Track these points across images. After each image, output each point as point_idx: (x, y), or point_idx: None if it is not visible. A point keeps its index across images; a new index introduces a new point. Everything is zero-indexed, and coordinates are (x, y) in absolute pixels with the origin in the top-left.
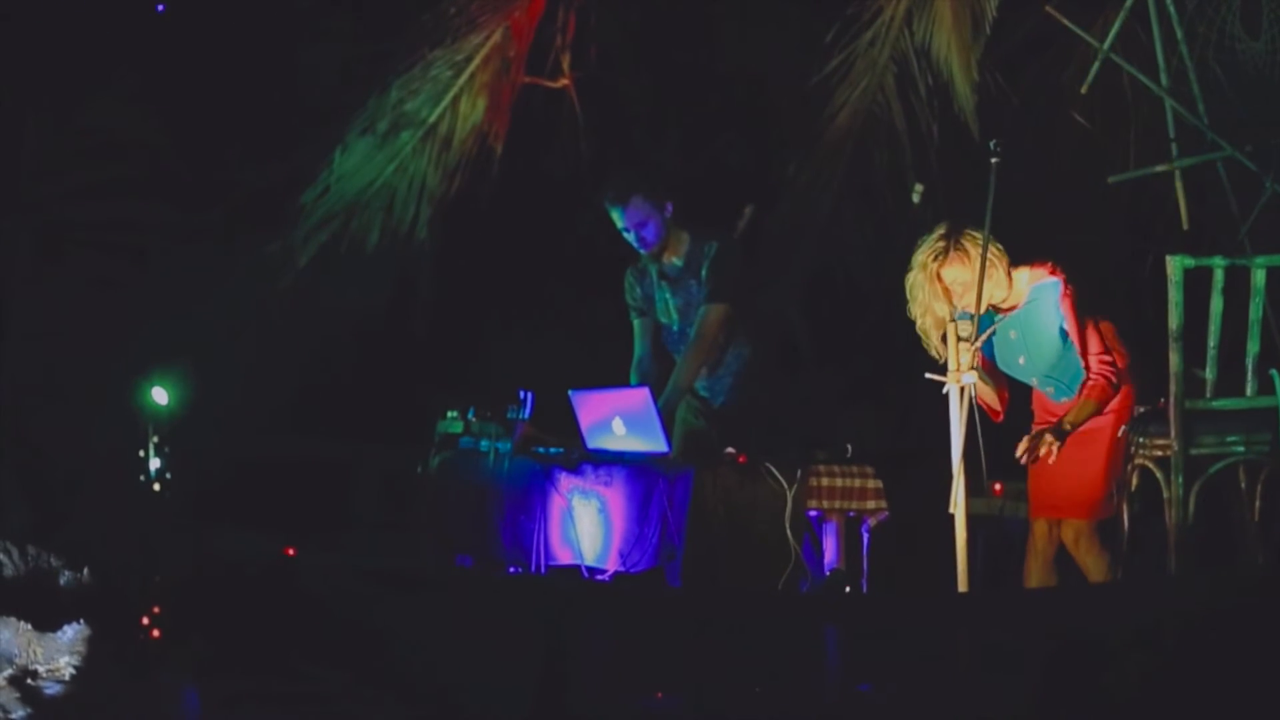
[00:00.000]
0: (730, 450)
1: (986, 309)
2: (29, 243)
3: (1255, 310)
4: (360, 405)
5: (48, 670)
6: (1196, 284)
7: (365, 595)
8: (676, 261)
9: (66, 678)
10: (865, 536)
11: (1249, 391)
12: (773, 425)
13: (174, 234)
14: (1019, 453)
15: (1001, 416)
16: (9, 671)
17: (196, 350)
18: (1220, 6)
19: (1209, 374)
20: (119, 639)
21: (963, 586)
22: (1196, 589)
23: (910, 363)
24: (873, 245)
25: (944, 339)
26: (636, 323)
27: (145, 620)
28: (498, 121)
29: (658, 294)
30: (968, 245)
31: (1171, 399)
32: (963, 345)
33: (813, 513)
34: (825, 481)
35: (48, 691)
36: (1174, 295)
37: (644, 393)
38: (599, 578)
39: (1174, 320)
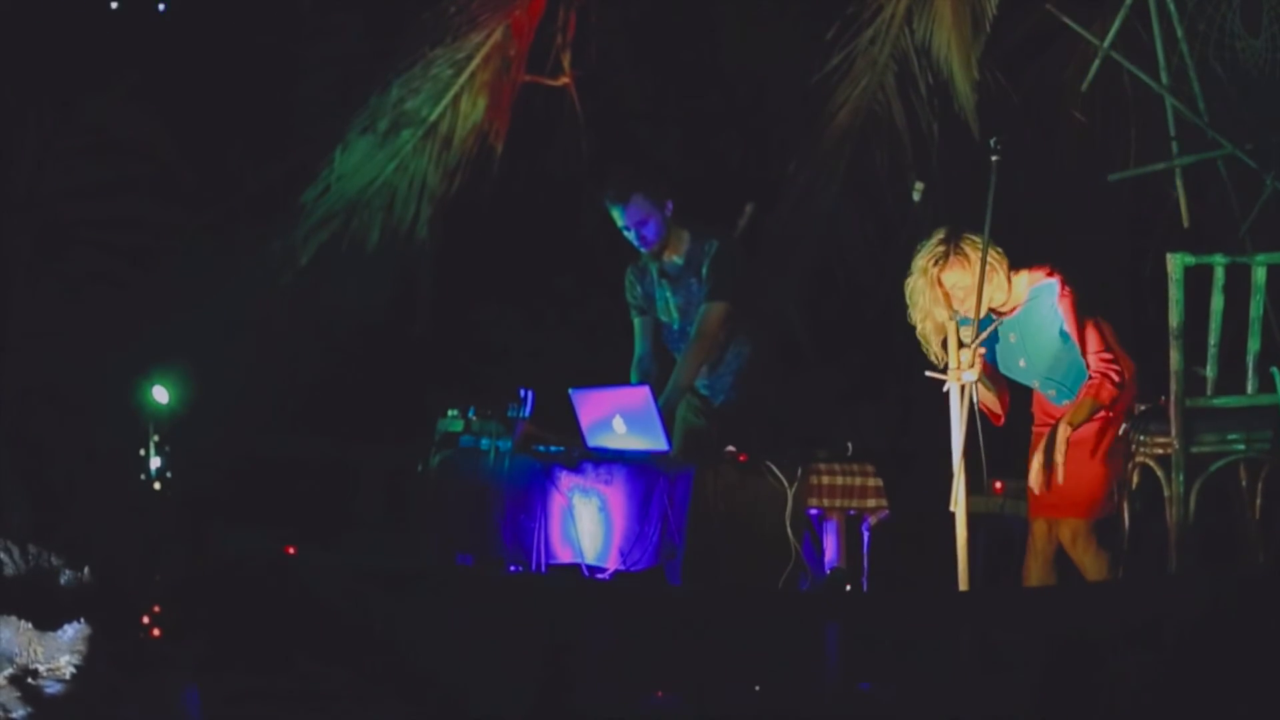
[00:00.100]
0: (731, 449)
1: (986, 313)
2: (30, 241)
3: (1256, 308)
4: (360, 404)
5: (48, 669)
6: (1197, 282)
7: (366, 594)
8: (677, 260)
9: (67, 677)
10: (866, 535)
11: (1250, 389)
12: (773, 423)
13: (175, 233)
14: (1032, 482)
15: (1003, 420)
16: (9, 670)
17: (197, 349)
18: (1220, 4)
19: (1210, 372)
20: (119, 638)
21: (963, 585)
22: (1197, 587)
23: (911, 361)
24: (873, 243)
25: (944, 344)
26: (637, 321)
27: (146, 619)
28: (498, 120)
29: (658, 292)
30: (967, 249)
31: (1172, 397)
32: (963, 331)
33: (813, 511)
34: (826, 480)
35: (48, 691)
36: (1174, 293)
37: (644, 391)
38: (599, 576)
39: (1174, 318)
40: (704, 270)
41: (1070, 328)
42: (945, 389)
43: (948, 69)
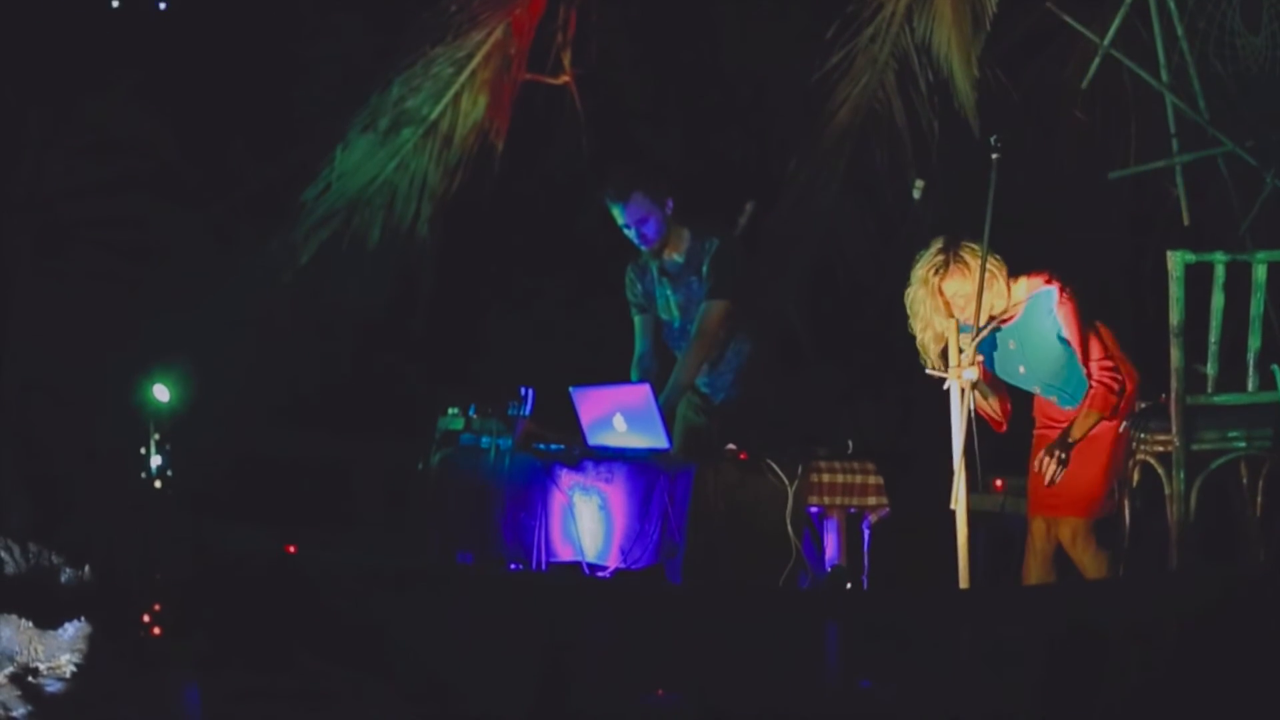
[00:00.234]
0: (731, 446)
1: (987, 319)
2: (30, 240)
3: (1256, 305)
4: (361, 402)
5: (49, 668)
6: (1197, 279)
7: (366, 593)
8: (677, 258)
9: (67, 675)
10: (866, 533)
11: (1250, 387)
12: (774, 421)
13: (175, 231)
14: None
15: (1004, 427)
16: (10, 669)
17: (198, 348)
18: (1220, 2)
19: (1210, 369)
20: (120, 637)
21: (964, 582)
22: (1198, 585)
23: (911, 359)
24: (873, 241)
25: (943, 355)
26: (637, 319)
27: (146, 618)
28: (499, 118)
29: (658, 290)
30: (967, 257)
31: (1173, 394)
32: (963, 339)
33: (814, 509)
34: (826, 478)
35: (49, 689)
36: (1175, 291)
37: (645, 389)
38: (600, 574)
39: (1175, 316)
40: (704, 268)
41: (1071, 336)
42: (945, 387)
43: (948, 67)
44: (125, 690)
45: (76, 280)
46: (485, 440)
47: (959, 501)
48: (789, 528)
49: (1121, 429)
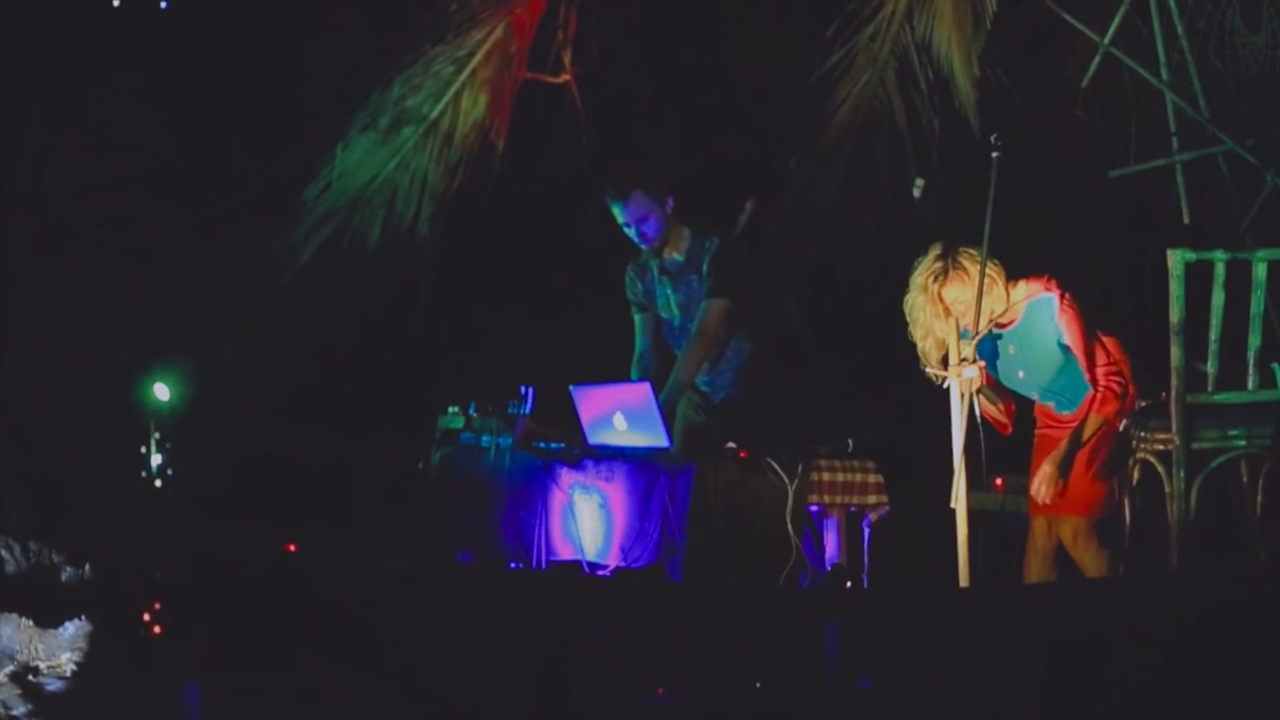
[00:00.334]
0: (731, 445)
1: (988, 324)
2: (31, 240)
3: (1256, 304)
4: (361, 401)
5: (49, 667)
6: (1198, 278)
7: (367, 592)
8: (677, 257)
9: (68, 674)
10: (866, 531)
11: (1250, 385)
12: (774, 420)
13: (176, 231)
14: (1035, 492)
15: (1010, 429)
16: (10, 668)
17: (198, 347)
18: (1220, 1)
19: (1210, 368)
20: (120, 635)
21: (964, 581)
22: (1198, 583)
23: (911, 357)
24: (874, 240)
25: (944, 361)
26: (637, 318)
27: (147, 616)
28: (499, 117)
29: (659, 289)
30: (965, 263)
31: (1173, 393)
32: (964, 345)
33: (814, 507)
34: (826, 476)
35: (49, 688)
36: (1175, 289)
37: (645, 388)
38: (600, 573)
39: (1175, 314)
40: (705, 267)
41: (1074, 343)
42: (944, 385)
43: (948, 66)
44: (125, 689)
45: (77, 279)
46: (485, 439)
47: (959, 500)
48: (789, 526)
49: (1122, 428)
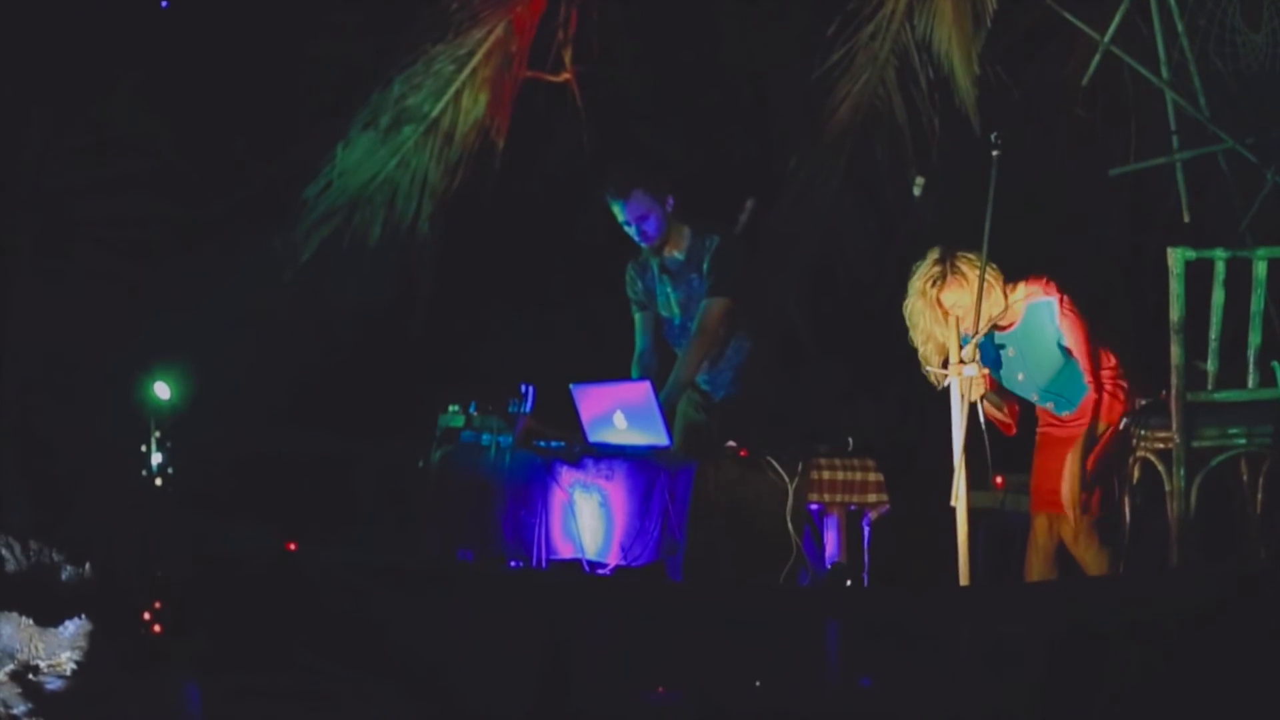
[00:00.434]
0: (731, 444)
1: (988, 327)
2: (32, 239)
3: (1256, 302)
4: (362, 400)
5: (49, 665)
6: (1198, 276)
7: (366, 590)
8: (678, 255)
9: (68, 673)
10: (866, 530)
11: (1250, 384)
12: (774, 419)
13: (176, 229)
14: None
15: (1014, 429)
16: (10, 667)
17: (199, 345)
18: None
19: (1210, 366)
20: (120, 634)
21: (964, 580)
22: (1198, 582)
23: (911, 356)
24: (874, 239)
25: (945, 365)
26: (638, 316)
27: (147, 615)
28: (499, 116)
29: (659, 288)
30: (963, 267)
31: (1173, 391)
32: (964, 351)
33: (814, 506)
34: (826, 475)
35: (49, 687)
36: (1175, 287)
37: (645, 386)
38: (600, 572)
39: (1175, 312)
40: (705, 266)
41: (1077, 348)
42: (945, 384)
43: (948, 64)
44: (125, 688)
45: (77, 279)
46: (486, 437)
47: (959, 499)
48: (789, 525)
49: (1122, 426)
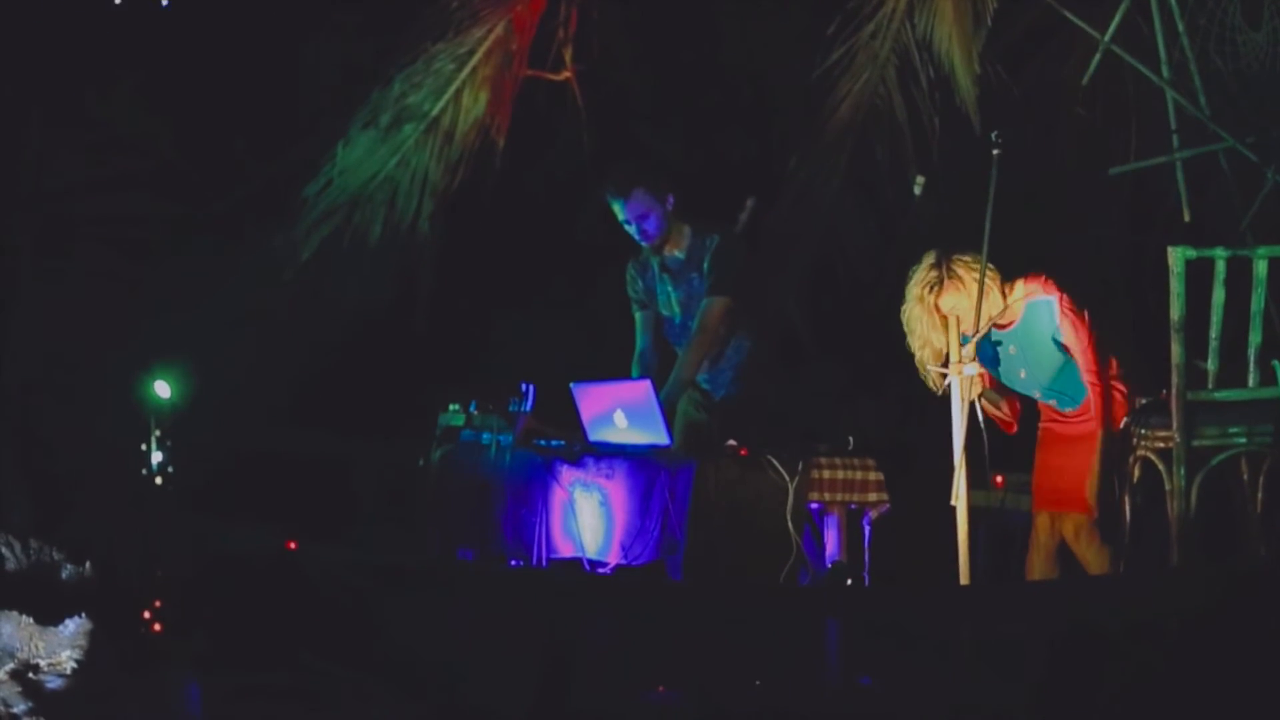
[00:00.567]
0: (732, 443)
1: (988, 327)
2: (32, 238)
3: (1257, 301)
4: (362, 399)
5: (49, 664)
6: (1198, 275)
7: (367, 589)
8: (678, 254)
9: (68, 672)
10: (867, 529)
11: (1251, 383)
12: (774, 418)
13: (177, 228)
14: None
15: (1015, 428)
16: (10, 666)
17: (199, 344)
18: None
19: (1211, 365)
20: (120, 633)
21: (964, 579)
22: (1199, 581)
23: (911, 355)
24: (874, 238)
25: (944, 361)
26: (638, 316)
27: (147, 614)
28: (500, 115)
29: (659, 287)
30: (960, 271)
31: (1173, 390)
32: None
33: (814, 505)
34: (827, 474)
35: (49, 686)
36: (1176, 286)
37: (645, 385)
38: (600, 571)
39: (1175, 311)
40: (705, 265)
41: (1076, 346)
42: (944, 387)
43: (949, 63)
44: (126, 687)
45: (77, 278)
46: (486, 436)
47: (959, 498)
48: (789, 524)
49: (1122, 425)
